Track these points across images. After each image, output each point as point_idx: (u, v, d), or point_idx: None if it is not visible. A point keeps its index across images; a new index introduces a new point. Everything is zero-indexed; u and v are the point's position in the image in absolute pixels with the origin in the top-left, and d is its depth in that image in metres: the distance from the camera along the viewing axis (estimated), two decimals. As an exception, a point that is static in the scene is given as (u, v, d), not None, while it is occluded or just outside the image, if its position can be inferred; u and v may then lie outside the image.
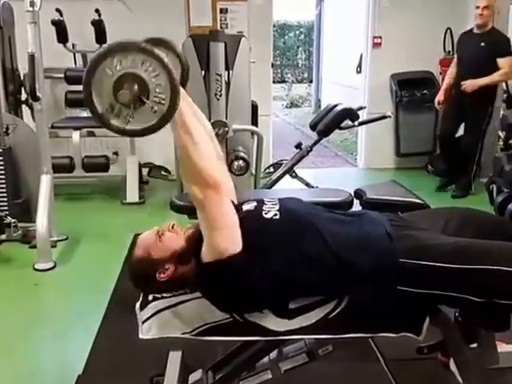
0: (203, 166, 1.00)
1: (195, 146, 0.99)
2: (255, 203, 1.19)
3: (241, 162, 2.82)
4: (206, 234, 1.05)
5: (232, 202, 1.14)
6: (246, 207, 1.19)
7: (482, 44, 3.39)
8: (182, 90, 0.96)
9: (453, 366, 1.26)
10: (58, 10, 3.46)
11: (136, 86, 0.82)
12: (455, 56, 3.70)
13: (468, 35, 3.57)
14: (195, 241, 1.10)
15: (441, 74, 4.30)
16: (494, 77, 3.36)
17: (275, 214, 1.13)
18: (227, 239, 1.04)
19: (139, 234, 1.20)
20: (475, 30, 3.50)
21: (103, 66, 0.82)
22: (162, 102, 0.85)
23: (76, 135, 3.49)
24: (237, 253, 1.04)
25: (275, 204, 1.18)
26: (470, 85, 3.37)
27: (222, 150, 2.90)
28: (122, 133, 0.89)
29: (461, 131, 3.72)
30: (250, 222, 1.11)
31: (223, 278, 1.05)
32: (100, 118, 0.86)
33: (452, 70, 3.67)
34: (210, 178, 1.00)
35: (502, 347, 1.31)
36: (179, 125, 0.97)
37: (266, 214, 1.14)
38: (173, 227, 1.16)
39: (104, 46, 0.85)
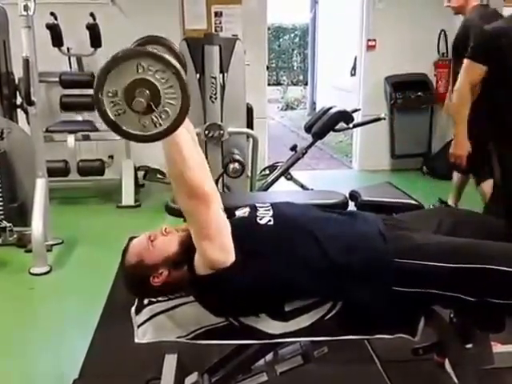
0: (191, 178, 0.97)
1: (184, 161, 0.96)
2: (248, 209, 1.19)
3: (236, 164, 2.82)
4: (198, 246, 1.04)
5: (225, 208, 1.14)
6: (239, 213, 1.19)
7: None
8: None
9: (448, 367, 1.27)
10: (52, 14, 3.46)
11: (148, 92, 0.82)
12: (481, 67, 1.92)
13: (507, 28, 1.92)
14: (188, 244, 1.10)
15: (435, 75, 4.33)
16: None
17: (269, 220, 1.13)
18: (219, 249, 1.03)
19: (134, 238, 1.19)
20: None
21: (114, 73, 0.82)
22: (173, 107, 0.84)
23: (71, 139, 3.49)
24: (230, 263, 1.03)
25: (268, 210, 1.17)
26: None
27: (217, 153, 2.93)
28: (134, 139, 0.87)
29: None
30: (245, 228, 1.11)
31: (219, 290, 1.05)
32: (112, 124, 0.85)
33: (466, 101, 1.99)
34: (198, 189, 0.98)
35: (497, 347, 1.31)
36: (170, 141, 0.93)
37: (260, 220, 1.13)
38: (165, 230, 1.15)
39: (114, 53, 0.83)
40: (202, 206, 0.99)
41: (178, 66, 0.84)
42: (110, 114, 0.84)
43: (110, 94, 0.83)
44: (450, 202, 3.04)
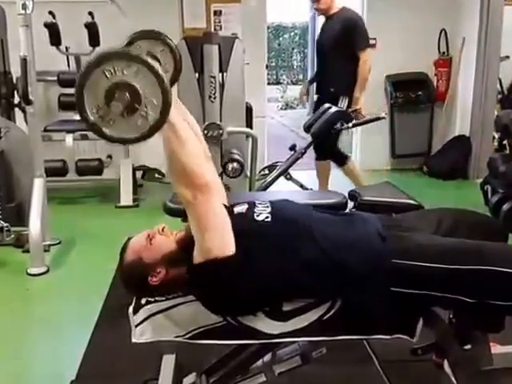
0: (191, 167, 0.99)
1: (182, 145, 0.98)
2: (246, 205, 1.18)
3: (235, 164, 2.82)
4: (196, 237, 1.05)
5: (224, 204, 1.14)
6: (237, 209, 1.18)
7: None
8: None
9: (447, 368, 1.26)
10: (50, 13, 3.45)
11: (128, 95, 0.83)
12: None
13: None
14: (186, 243, 1.10)
15: (436, 75, 4.33)
16: None
17: (267, 217, 1.13)
18: (218, 241, 1.03)
19: (132, 238, 1.19)
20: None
21: (96, 73, 0.83)
22: (153, 109, 0.85)
23: (69, 138, 3.48)
24: (228, 255, 1.03)
25: (267, 206, 1.17)
26: None
27: (216, 153, 2.92)
28: (114, 141, 0.89)
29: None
30: (242, 224, 1.11)
31: (214, 280, 1.05)
32: (92, 126, 0.86)
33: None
34: (199, 179, 1.00)
35: (495, 348, 1.31)
36: (166, 125, 0.95)
37: (257, 216, 1.13)
38: (163, 230, 1.15)
39: (96, 52, 0.85)
40: (200, 197, 1.00)
41: (136, 53, 0.84)
42: (104, 130, 0.85)
43: (94, 111, 0.84)
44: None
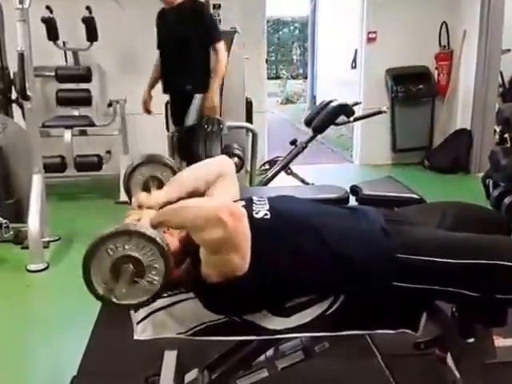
0: (208, 211, 0.94)
1: (191, 219, 0.95)
2: (244, 203, 1.16)
3: (236, 159, 2.80)
4: (221, 257, 0.98)
5: None
6: None
7: None
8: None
9: (450, 361, 1.26)
10: (48, 8, 3.42)
11: (131, 266, 0.88)
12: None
13: None
14: (189, 241, 1.08)
15: (436, 68, 4.30)
16: None
17: (265, 214, 1.10)
18: (244, 257, 0.99)
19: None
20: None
21: (101, 251, 0.89)
22: (155, 281, 0.91)
23: (68, 134, 3.46)
24: (246, 271, 0.99)
25: (265, 203, 1.14)
26: None
27: (216, 148, 2.90)
28: (121, 308, 0.94)
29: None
30: None
31: (228, 295, 1.02)
32: (102, 299, 0.92)
33: None
34: (224, 212, 0.92)
35: (499, 342, 1.30)
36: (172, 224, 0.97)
37: (256, 214, 1.11)
38: (168, 229, 1.14)
39: (99, 233, 0.91)
40: (235, 226, 0.94)
41: (133, 228, 0.90)
42: (114, 301, 0.91)
43: (103, 285, 0.89)
44: None
